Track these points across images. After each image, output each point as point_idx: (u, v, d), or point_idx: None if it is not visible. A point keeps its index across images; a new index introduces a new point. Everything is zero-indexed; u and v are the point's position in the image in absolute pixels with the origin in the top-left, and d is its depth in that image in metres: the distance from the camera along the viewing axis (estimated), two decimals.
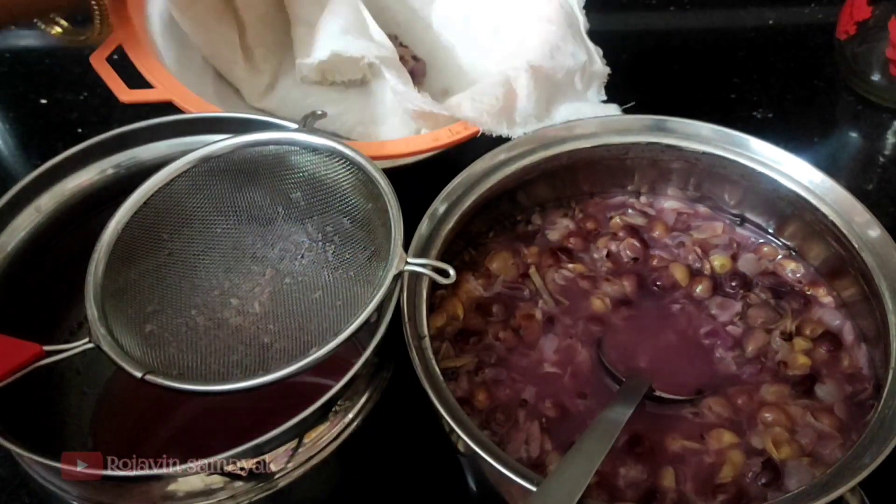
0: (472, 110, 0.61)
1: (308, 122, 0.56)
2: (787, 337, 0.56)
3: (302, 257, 0.56)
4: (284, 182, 0.55)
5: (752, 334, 0.56)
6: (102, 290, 0.49)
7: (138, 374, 0.46)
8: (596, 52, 0.68)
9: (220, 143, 0.54)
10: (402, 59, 0.70)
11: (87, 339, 0.47)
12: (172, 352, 0.50)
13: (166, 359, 0.49)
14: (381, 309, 0.50)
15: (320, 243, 0.56)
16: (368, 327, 0.48)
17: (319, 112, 0.57)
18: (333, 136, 0.55)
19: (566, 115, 0.63)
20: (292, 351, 0.50)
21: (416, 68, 0.75)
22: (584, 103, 0.65)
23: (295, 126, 0.56)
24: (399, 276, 0.50)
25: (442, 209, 0.56)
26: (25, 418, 0.52)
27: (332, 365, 0.60)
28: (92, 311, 0.48)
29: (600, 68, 0.67)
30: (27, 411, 0.53)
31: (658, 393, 0.52)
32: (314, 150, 0.54)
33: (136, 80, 0.62)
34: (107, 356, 0.47)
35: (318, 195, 0.55)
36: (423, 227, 0.55)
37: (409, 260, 0.50)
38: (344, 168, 0.54)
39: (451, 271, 0.50)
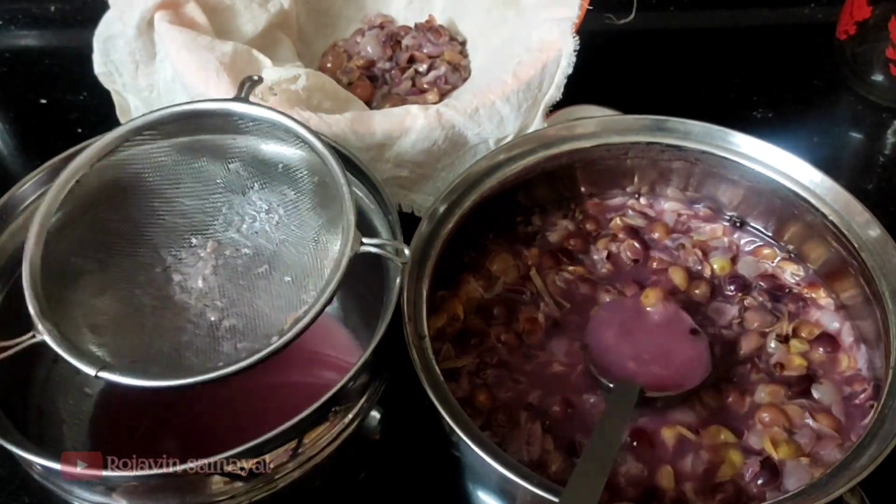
0: None
1: (246, 89, 0.52)
2: (784, 339, 0.56)
3: (245, 229, 0.54)
4: (225, 153, 0.53)
5: (748, 336, 0.56)
6: (42, 280, 0.47)
7: (92, 372, 0.44)
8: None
9: (153, 113, 0.52)
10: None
11: (31, 334, 0.45)
12: (121, 335, 0.49)
13: (115, 344, 0.48)
14: (381, 310, 0.50)
15: (263, 214, 0.54)
16: (368, 328, 0.48)
17: (256, 77, 0.54)
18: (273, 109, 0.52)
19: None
20: (243, 329, 0.49)
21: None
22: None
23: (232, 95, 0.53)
24: (355, 257, 0.47)
25: (442, 209, 0.56)
26: (25, 418, 0.52)
27: (332, 365, 0.60)
28: (33, 303, 0.46)
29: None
30: (27, 411, 0.53)
31: (649, 394, 0.51)
32: (253, 120, 0.52)
33: None
34: (55, 352, 0.45)
35: (261, 166, 0.53)
36: (423, 227, 0.55)
37: (365, 241, 0.47)
38: (288, 139, 0.52)
39: (407, 251, 0.48)
